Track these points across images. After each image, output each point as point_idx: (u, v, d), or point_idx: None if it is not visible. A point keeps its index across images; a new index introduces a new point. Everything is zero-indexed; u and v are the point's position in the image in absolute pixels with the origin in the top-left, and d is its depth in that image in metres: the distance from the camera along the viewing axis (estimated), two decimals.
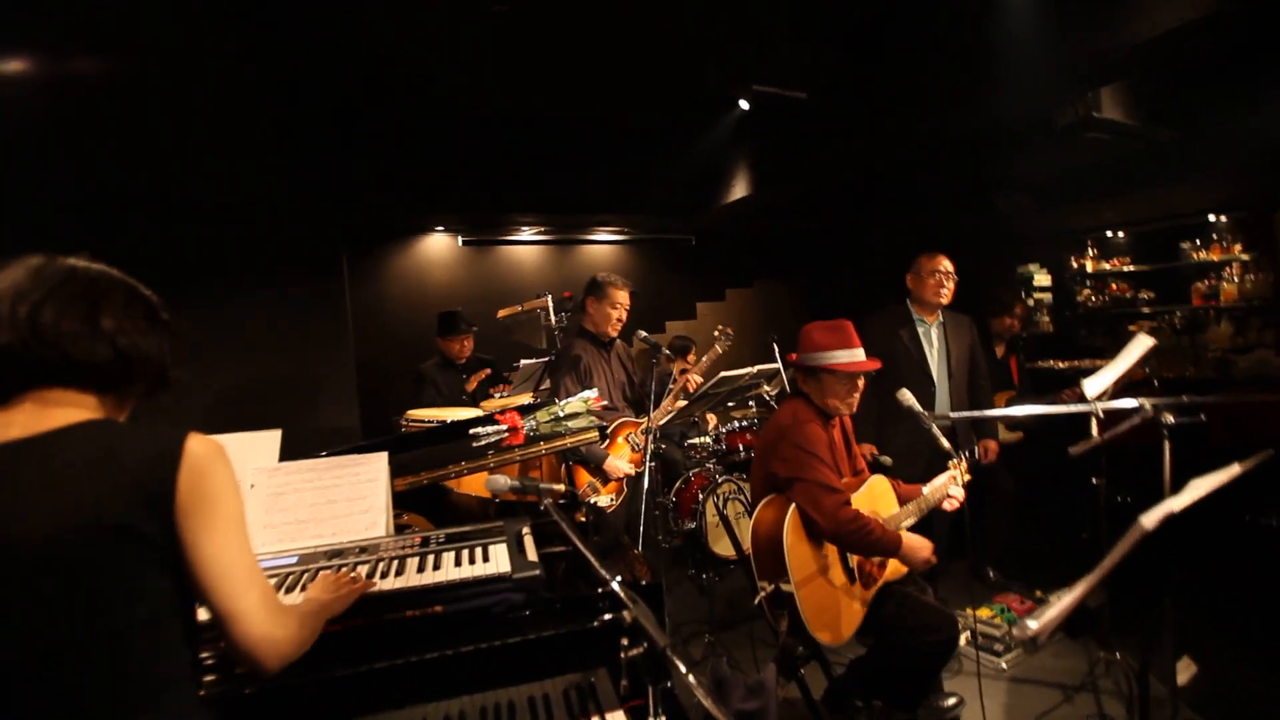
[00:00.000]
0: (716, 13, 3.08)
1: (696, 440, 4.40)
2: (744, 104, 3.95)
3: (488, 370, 4.12)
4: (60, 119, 2.52)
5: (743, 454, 4.38)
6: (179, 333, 1.07)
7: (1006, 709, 2.45)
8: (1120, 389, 2.24)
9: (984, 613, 2.98)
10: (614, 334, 3.28)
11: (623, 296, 3.22)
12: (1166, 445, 1.78)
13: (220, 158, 3.33)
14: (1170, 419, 1.72)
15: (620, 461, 3.14)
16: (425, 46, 3.43)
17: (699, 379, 3.27)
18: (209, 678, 1.22)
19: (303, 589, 1.42)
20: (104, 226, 3.27)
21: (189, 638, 0.97)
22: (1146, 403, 1.79)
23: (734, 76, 3.29)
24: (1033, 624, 1.34)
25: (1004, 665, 2.71)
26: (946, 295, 3.10)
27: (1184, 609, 2.47)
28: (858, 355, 2.12)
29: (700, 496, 3.99)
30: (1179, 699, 2.29)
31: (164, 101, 2.70)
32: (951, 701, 2.34)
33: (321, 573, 1.30)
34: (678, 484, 4.17)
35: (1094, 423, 1.96)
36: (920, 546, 2.04)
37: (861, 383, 2.16)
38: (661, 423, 3.27)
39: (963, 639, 2.84)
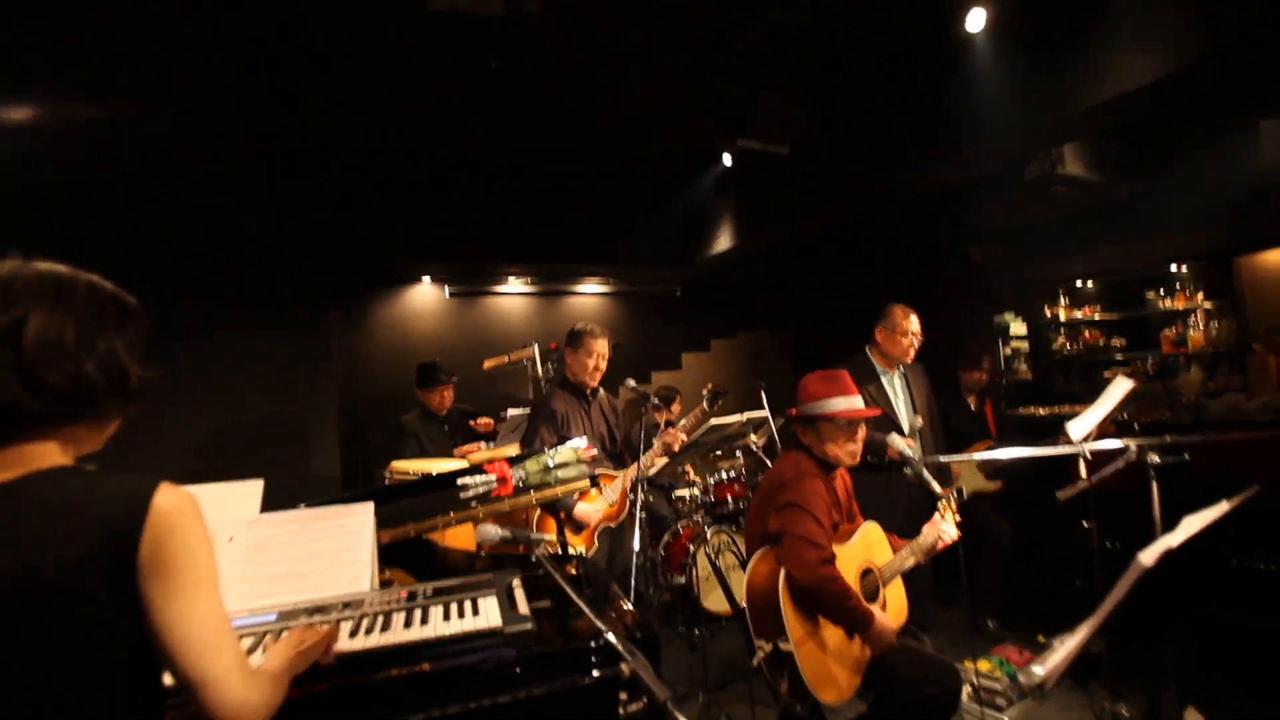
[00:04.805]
0: (700, 71, 3.23)
1: (684, 493, 4.35)
2: (727, 158, 4.09)
3: (481, 446, 4.01)
4: (48, 158, 2.55)
5: (731, 505, 4.33)
6: (143, 324, 0.98)
7: None
8: (1103, 434, 2.27)
9: (983, 665, 2.91)
10: (594, 384, 3.22)
11: (600, 345, 3.17)
12: (1154, 485, 1.80)
13: (209, 199, 3.36)
14: (1156, 459, 1.74)
15: (590, 507, 3.04)
16: (416, 99, 3.53)
17: (683, 438, 3.22)
18: None
19: None
20: (83, 265, 3.25)
21: (151, 702, 0.90)
22: (1132, 443, 1.81)
23: (718, 132, 3.42)
24: (1039, 669, 1.32)
25: None
26: (913, 355, 3.17)
27: (1186, 657, 2.43)
28: (855, 402, 2.13)
29: (690, 549, 3.90)
30: None
31: (153, 146, 2.75)
32: None
33: (284, 633, 1.23)
34: (665, 537, 4.09)
35: (1081, 464, 1.97)
36: (890, 631, 1.98)
37: (861, 431, 2.16)
38: (649, 474, 3.21)
39: (965, 694, 2.78)
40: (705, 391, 3.37)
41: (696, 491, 4.33)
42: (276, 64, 3.04)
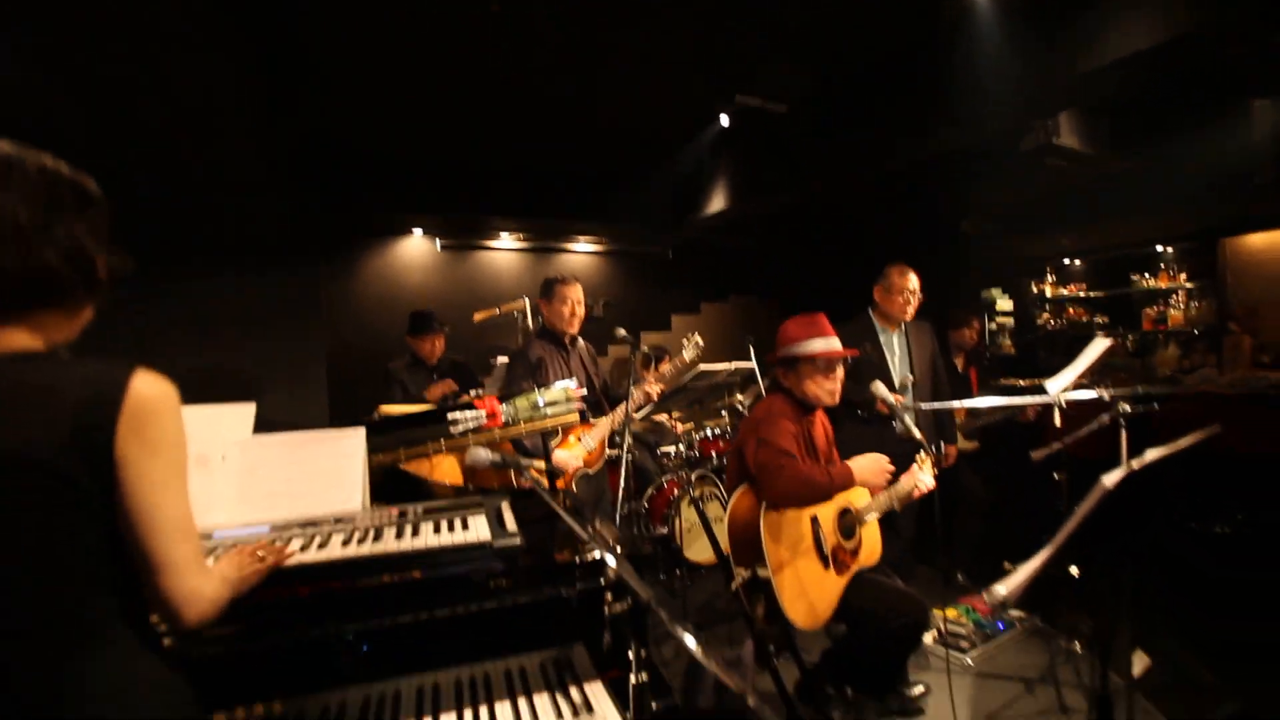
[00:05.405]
0: (701, 29, 3.19)
1: (669, 449, 4.42)
2: (724, 119, 4.07)
3: (452, 384, 4.01)
4: (47, 100, 2.50)
5: (716, 461, 4.41)
6: (105, 209, 0.95)
7: (973, 702, 2.49)
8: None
9: (951, 613, 3.04)
10: (573, 331, 3.21)
11: (573, 292, 3.16)
12: (1123, 435, 1.86)
13: (201, 142, 3.31)
14: (1127, 407, 1.80)
15: (567, 454, 3.07)
16: (414, 49, 3.46)
17: (660, 387, 3.26)
18: (168, 641, 1.19)
19: None
20: None
21: (126, 580, 0.90)
22: (1105, 392, 1.88)
23: (716, 91, 3.39)
24: (1001, 589, 1.39)
25: (970, 661, 2.75)
26: (911, 312, 3.20)
27: (1138, 610, 2.56)
28: (833, 344, 2.19)
29: (674, 498, 3.99)
30: (1134, 689, 2.37)
31: (149, 89, 2.71)
32: (919, 690, 2.37)
33: (229, 551, 1.23)
34: (649, 490, 4.17)
35: (1056, 414, 2.04)
36: (872, 464, 2.12)
37: (840, 371, 2.22)
38: (635, 417, 3.23)
39: (930, 637, 2.90)
40: (686, 341, 3.42)
41: (681, 447, 4.41)
42: (267, 14, 2.98)
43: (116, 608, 0.89)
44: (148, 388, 0.87)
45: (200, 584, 0.92)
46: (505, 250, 5.54)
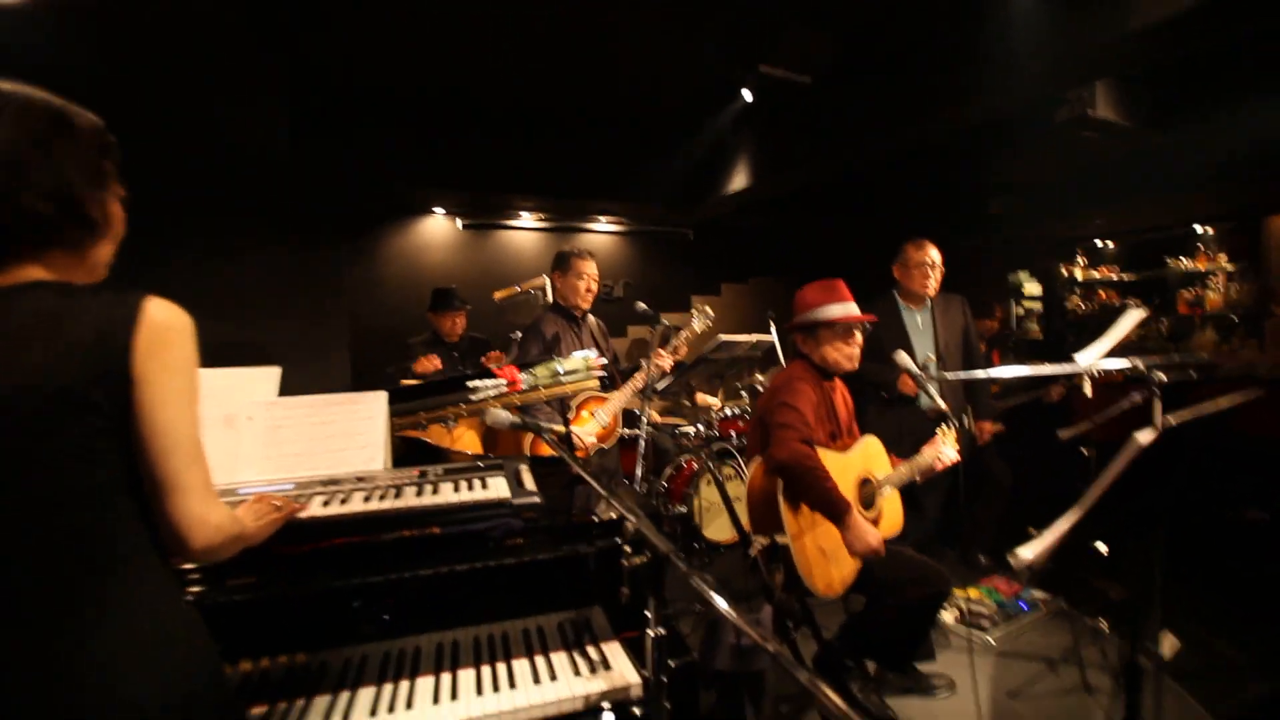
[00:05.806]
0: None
1: (689, 429, 4.41)
2: (746, 95, 4.00)
3: (438, 362, 3.96)
4: (71, 73, 2.54)
5: (735, 441, 4.39)
6: (93, 140, 0.92)
7: (994, 681, 2.46)
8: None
9: (973, 593, 3.00)
10: (585, 306, 3.20)
11: (588, 267, 3.15)
12: (1157, 404, 1.80)
13: (225, 121, 3.34)
14: (1162, 376, 1.75)
15: (580, 430, 3.06)
16: (436, 26, 3.46)
17: (672, 360, 3.25)
18: (196, 588, 1.22)
19: None
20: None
21: (146, 513, 0.91)
22: (1139, 361, 1.82)
23: (739, 60, 3.32)
24: (1027, 553, 1.36)
25: (992, 640, 2.72)
26: (933, 286, 3.12)
27: (1169, 593, 2.51)
28: (851, 309, 2.16)
29: (693, 475, 3.98)
30: (1163, 671, 2.31)
31: (172, 65, 2.74)
32: (942, 684, 2.34)
33: (248, 500, 1.24)
34: (668, 470, 4.17)
35: (1087, 384, 1.99)
36: (870, 531, 1.97)
37: (859, 336, 2.19)
38: (627, 402, 3.20)
39: (952, 617, 2.87)
40: (695, 311, 3.40)
41: (701, 427, 4.39)
42: None
43: (144, 535, 0.91)
44: (162, 312, 0.89)
45: (208, 509, 0.93)
46: (526, 229, 5.54)
